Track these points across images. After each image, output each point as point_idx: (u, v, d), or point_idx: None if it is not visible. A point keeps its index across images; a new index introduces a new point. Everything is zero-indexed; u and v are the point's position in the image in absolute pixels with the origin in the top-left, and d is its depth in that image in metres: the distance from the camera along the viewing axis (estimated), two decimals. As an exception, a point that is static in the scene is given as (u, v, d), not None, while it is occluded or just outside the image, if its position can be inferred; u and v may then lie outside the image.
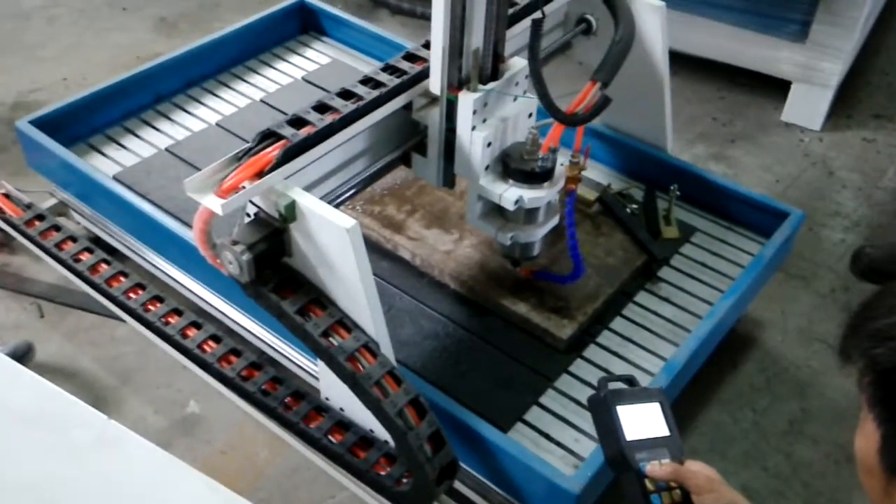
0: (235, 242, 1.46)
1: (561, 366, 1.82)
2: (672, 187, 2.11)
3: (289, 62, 2.66)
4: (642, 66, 2.04)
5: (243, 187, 1.42)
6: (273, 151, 1.46)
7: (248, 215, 1.53)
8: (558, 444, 1.69)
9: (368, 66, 2.55)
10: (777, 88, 2.98)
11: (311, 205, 1.44)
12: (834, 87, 2.87)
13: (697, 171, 2.25)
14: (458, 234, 2.04)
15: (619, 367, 1.83)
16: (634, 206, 2.16)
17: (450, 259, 1.99)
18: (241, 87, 2.55)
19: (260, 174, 1.44)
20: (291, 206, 1.44)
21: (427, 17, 3.33)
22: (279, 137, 1.49)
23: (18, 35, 3.30)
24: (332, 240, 1.44)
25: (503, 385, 1.78)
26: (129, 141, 2.34)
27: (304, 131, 1.51)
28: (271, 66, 2.64)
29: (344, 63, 2.65)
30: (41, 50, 3.22)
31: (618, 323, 1.93)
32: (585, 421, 1.71)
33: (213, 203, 1.40)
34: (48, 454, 1.19)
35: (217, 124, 2.40)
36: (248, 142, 1.50)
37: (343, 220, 1.42)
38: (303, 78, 2.59)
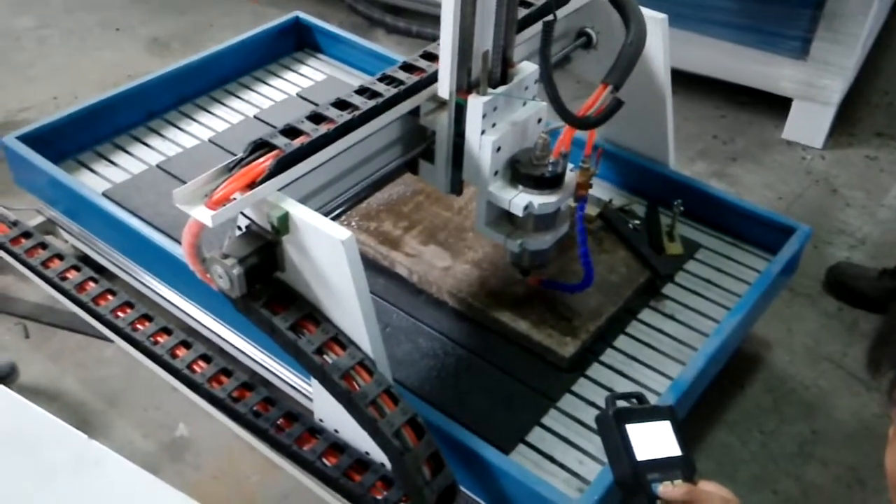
0: (226, 256, 1.41)
1: (564, 385, 1.77)
2: (675, 202, 2.06)
3: (283, 79, 2.62)
4: (644, 79, 2.00)
5: (234, 199, 1.37)
6: (265, 162, 1.41)
7: (240, 228, 1.47)
8: (562, 466, 1.63)
9: (364, 83, 2.52)
10: (778, 106, 2.95)
11: (304, 216, 1.39)
12: (835, 105, 2.84)
13: (701, 186, 2.21)
14: (456, 250, 1.99)
15: (623, 387, 1.77)
16: (637, 221, 2.11)
17: (448, 276, 1.93)
18: (235, 103, 2.51)
19: (252, 185, 1.39)
20: (284, 218, 1.39)
21: (422, 37, 3.36)
22: (272, 147, 1.44)
23: (8, 55, 3.26)
24: (327, 253, 1.39)
25: (504, 405, 1.72)
26: (120, 158, 2.30)
27: (298, 141, 1.46)
28: (265, 83, 2.60)
29: (339, 80, 2.61)
30: (31, 69, 3.18)
31: (622, 341, 1.88)
32: (590, 442, 1.66)
33: (202, 215, 1.35)
34: (23, 475, 1.12)
35: (209, 141, 2.35)
36: (241, 156, 1.45)
37: (338, 232, 1.37)
38: (297, 94, 2.54)
